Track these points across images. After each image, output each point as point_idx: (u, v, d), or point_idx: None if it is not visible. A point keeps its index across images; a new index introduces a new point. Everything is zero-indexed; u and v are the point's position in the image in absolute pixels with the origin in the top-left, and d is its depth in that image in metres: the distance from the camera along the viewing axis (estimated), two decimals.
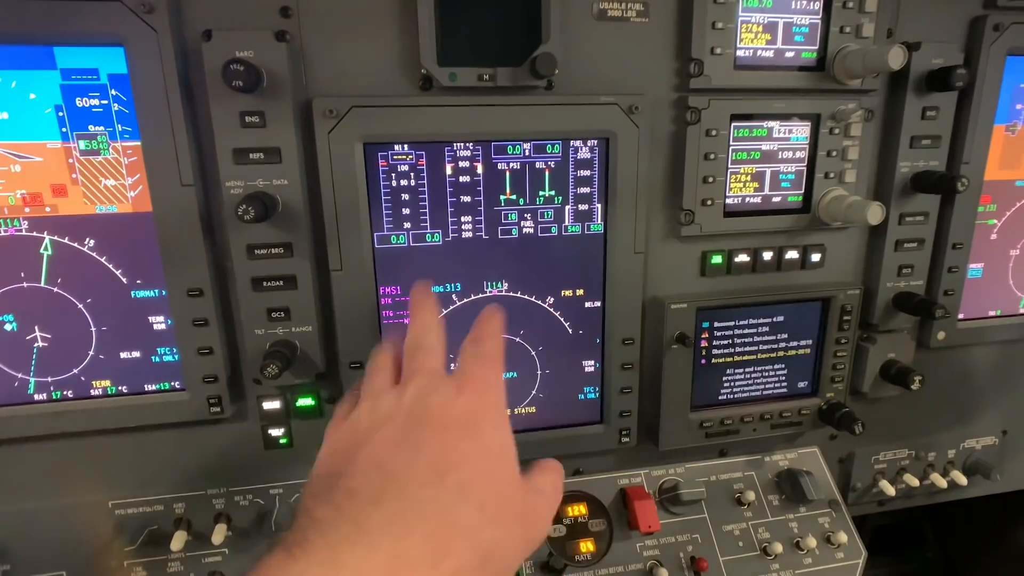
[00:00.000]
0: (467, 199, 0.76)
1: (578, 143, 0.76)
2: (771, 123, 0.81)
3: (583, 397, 0.86)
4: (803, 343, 0.89)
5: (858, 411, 0.88)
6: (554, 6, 0.70)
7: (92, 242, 0.71)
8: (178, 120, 0.66)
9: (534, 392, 0.84)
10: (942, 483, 1.00)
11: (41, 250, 0.70)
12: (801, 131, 0.82)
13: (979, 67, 0.82)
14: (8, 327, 0.72)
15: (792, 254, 0.86)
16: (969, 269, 0.93)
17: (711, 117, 0.78)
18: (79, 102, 0.66)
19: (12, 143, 0.67)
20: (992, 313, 0.98)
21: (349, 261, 0.73)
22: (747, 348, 0.88)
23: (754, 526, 0.90)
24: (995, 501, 1.10)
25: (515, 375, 0.83)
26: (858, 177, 0.84)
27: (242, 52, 0.65)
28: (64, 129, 0.67)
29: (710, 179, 0.80)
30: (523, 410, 0.85)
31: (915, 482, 0.99)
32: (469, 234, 0.77)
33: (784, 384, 0.91)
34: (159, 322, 0.75)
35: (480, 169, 0.75)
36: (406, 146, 0.72)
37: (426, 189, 0.74)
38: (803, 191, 0.84)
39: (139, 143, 0.67)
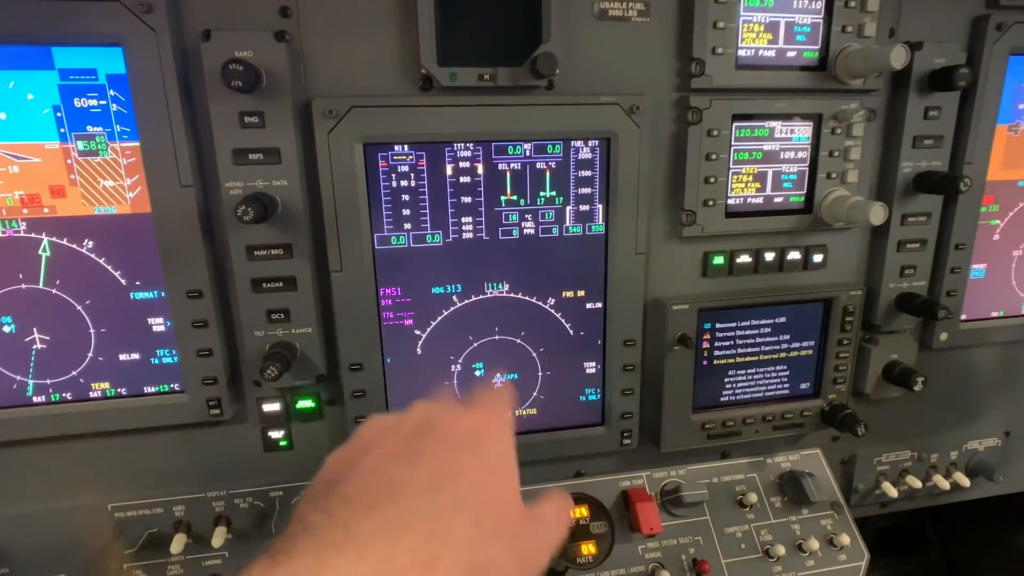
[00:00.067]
0: (468, 200, 0.75)
1: (579, 143, 0.76)
2: (773, 123, 0.80)
3: (584, 399, 0.86)
4: (805, 344, 0.89)
5: (860, 412, 0.88)
6: (555, 5, 0.69)
7: (91, 243, 0.71)
8: (177, 120, 0.66)
9: (535, 394, 0.84)
10: (945, 484, 1.00)
11: (40, 251, 0.70)
12: (803, 131, 0.81)
13: (982, 67, 0.82)
14: (7, 329, 0.72)
15: (794, 255, 0.86)
16: (972, 270, 0.92)
17: (712, 117, 0.77)
18: (77, 102, 0.66)
19: (10, 144, 0.66)
20: (995, 314, 0.97)
21: (349, 262, 0.73)
22: (749, 349, 0.87)
23: (756, 528, 0.90)
24: (997, 502, 1.10)
25: (516, 376, 0.83)
26: (860, 177, 0.83)
27: (241, 52, 0.65)
28: (62, 130, 0.67)
29: (712, 179, 0.79)
30: (524, 412, 0.85)
31: (917, 484, 0.99)
32: (470, 235, 0.76)
33: (786, 385, 0.90)
34: (158, 324, 0.74)
35: (481, 169, 0.75)
36: (406, 146, 0.72)
37: (426, 190, 0.74)
38: (805, 191, 0.84)
39: (138, 144, 0.67)
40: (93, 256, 0.71)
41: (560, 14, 0.70)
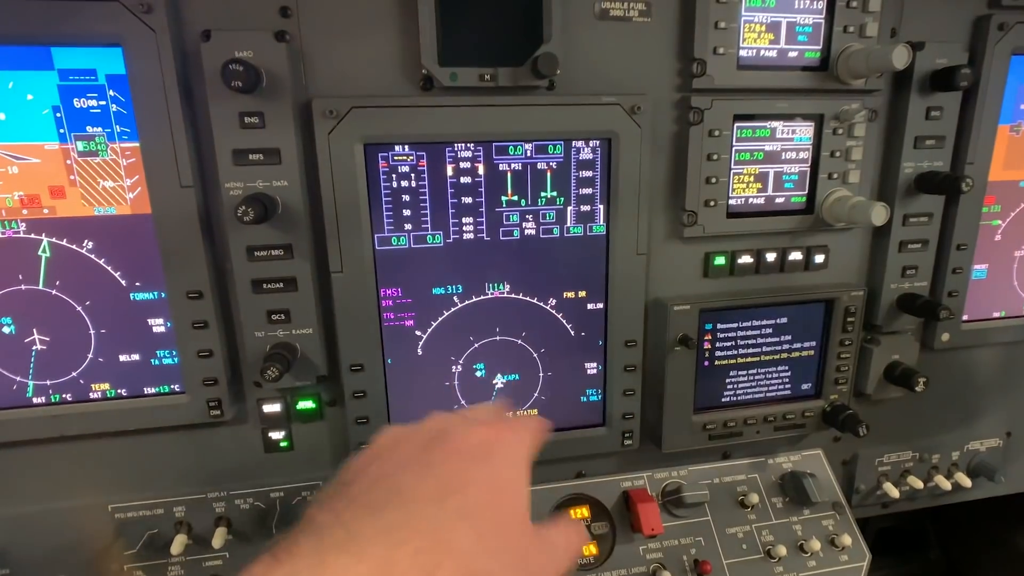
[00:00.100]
0: (468, 200, 0.75)
1: (580, 143, 0.76)
2: (774, 123, 0.80)
3: (585, 399, 0.86)
4: (806, 345, 0.89)
5: (862, 413, 0.88)
6: (555, 6, 0.69)
7: (91, 244, 0.70)
8: (177, 121, 0.66)
9: (536, 394, 0.84)
10: (946, 485, 1.00)
11: (39, 252, 0.70)
12: (804, 131, 0.81)
13: (983, 67, 0.82)
14: (6, 330, 0.72)
15: (795, 255, 0.86)
16: (973, 270, 0.92)
17: (714, 117, 0.77)
18: (77, 103, 0.66)
19: (9, 144, 0.66)
20: (996, 314, 0.97)
21: (350, 263, 0.73)
22: (750, 350, 0.87)
23: (758, 529, 0.90)
24: (998, 503, 1.10)
25: (517, 377, 0.83)
26: (862, 178, 0.83)
27: (241, 52, 0.65)
28: (62, 130, 0.66)
29: (713, 180, 0.79)
30: (525, 412, 0.84)
31: (919, 484, 0.99)
32: (470, 235, 0.76)
33: (787, 386, 0.90)
34: (158, 324, 0.74)
35: (481, 170, 0.74)
36: (407, 147, 0.72)
37: (427, 190, 0.74)
38: (806, 192, 0.83)
39: (138, 144, 0.67)
40: (93, 257, 0.71)
41: (561, 14, 0.70)
